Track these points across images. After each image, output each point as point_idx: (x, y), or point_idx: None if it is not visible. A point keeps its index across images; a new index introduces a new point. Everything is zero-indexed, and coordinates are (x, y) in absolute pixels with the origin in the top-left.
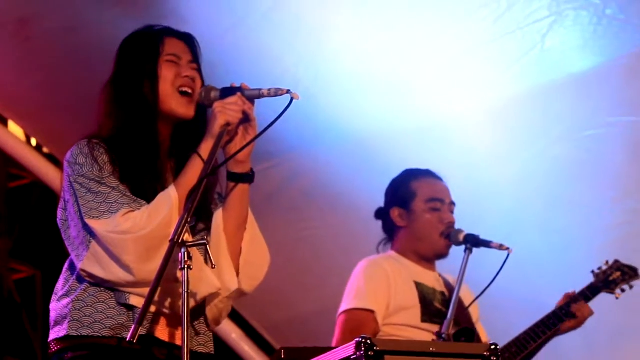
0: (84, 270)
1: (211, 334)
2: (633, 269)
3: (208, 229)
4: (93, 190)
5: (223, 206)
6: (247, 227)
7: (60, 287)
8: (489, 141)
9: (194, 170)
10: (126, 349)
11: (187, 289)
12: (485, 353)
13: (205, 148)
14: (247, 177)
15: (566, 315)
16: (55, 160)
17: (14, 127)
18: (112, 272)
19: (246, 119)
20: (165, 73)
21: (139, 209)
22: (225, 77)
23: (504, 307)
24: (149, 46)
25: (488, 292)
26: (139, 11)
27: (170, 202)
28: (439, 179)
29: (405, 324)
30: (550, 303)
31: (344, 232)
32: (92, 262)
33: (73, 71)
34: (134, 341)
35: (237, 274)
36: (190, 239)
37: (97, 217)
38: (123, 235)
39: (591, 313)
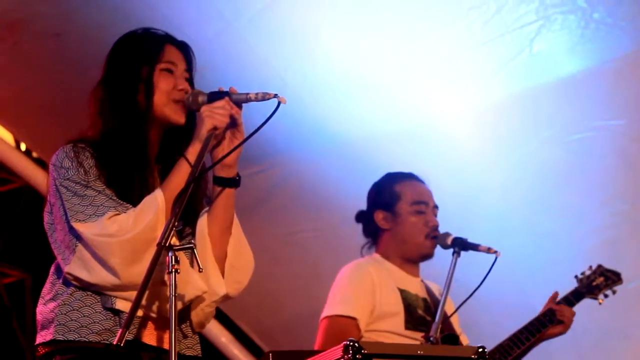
0: (70, 274)
1: (197, 337)
2: (616, 274)
3: (195, 233)
4: (79, 193)
5: (208, 210)
6: (233, 232)
7: (46, 291)
8: (477, 144)
9: (180, 174)
10: (115, 352)
11: (175, 293)
12: (473, 356)
13: (192, 152)
14: (233, 182)
15: (550, 322)
16: (44, 165)
17: (3, 132)
18: (98, 275)
19: (234, 123)
20: (162, 84)
21: (125, 213)
22: (213, 82)
23: (492, 310)
24: (147, 52)
25: (476, 295)
26: (126, 16)
27: (156, 205)
28: (422, 182)
29: (389, 331)
30: (537, 305)
31: (332, 236)
32: (78, 266)
33: (61, 76)
34: (122, 344)
35: (222, 278)
36: (178, 243)
37: (83, 220)
38: (109, 238)
39: (573, 314)
